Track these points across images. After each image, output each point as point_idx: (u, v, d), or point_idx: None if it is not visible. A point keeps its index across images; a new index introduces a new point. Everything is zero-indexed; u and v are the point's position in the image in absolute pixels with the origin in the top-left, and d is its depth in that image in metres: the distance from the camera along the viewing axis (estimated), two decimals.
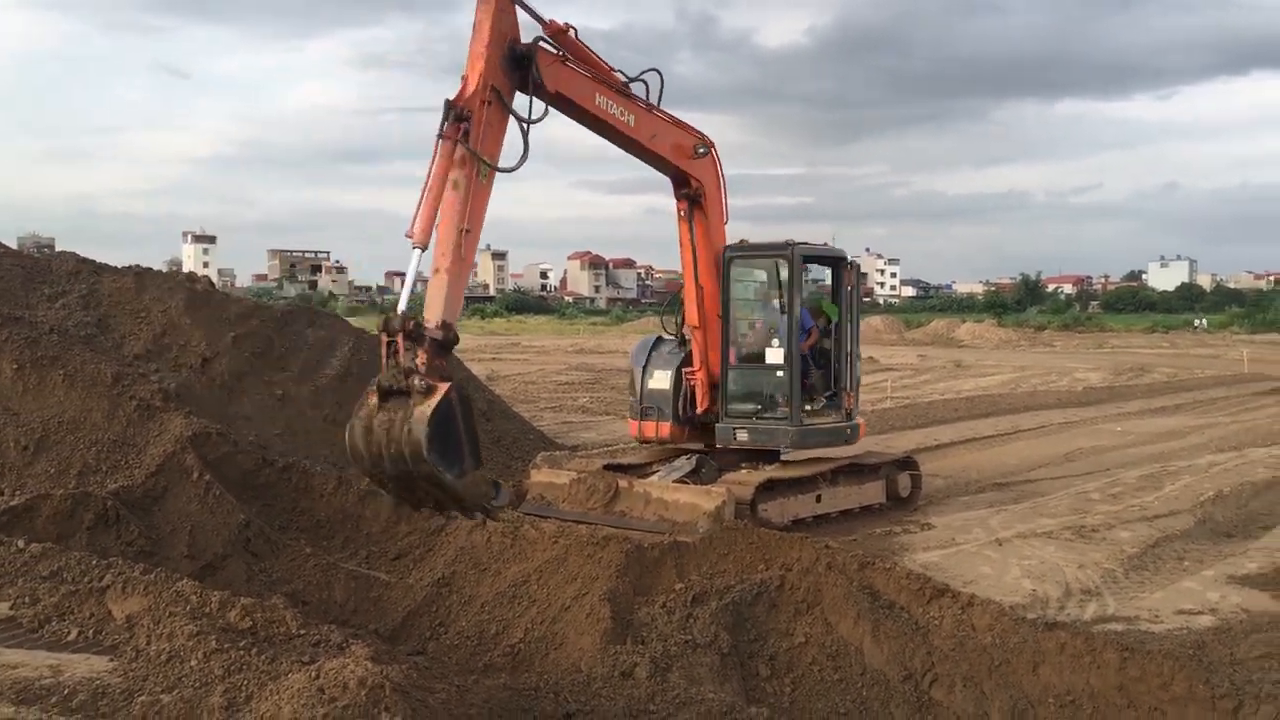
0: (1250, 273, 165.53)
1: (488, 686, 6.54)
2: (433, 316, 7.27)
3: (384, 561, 9.88)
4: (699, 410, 12.27)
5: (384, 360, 6.77)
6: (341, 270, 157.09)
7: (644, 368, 12.48)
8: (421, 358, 6.79)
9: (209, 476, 10.14)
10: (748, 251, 12.50)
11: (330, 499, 10.79)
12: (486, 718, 5.87)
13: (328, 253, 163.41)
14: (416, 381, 6.56)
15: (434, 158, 7.65)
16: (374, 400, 6.59)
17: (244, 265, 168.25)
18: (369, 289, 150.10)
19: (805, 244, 12.49)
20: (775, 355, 12.09)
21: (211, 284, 17.49)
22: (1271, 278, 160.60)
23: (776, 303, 12.37)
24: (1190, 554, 11.31)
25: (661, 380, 12.33)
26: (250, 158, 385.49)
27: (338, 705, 4.90)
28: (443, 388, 6.60)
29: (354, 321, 20.57)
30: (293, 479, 10.93)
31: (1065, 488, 14.88)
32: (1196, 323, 78.68)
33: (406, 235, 7.36)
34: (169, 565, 8.66)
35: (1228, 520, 12.97)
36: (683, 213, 11.93)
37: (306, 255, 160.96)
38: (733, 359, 12.28)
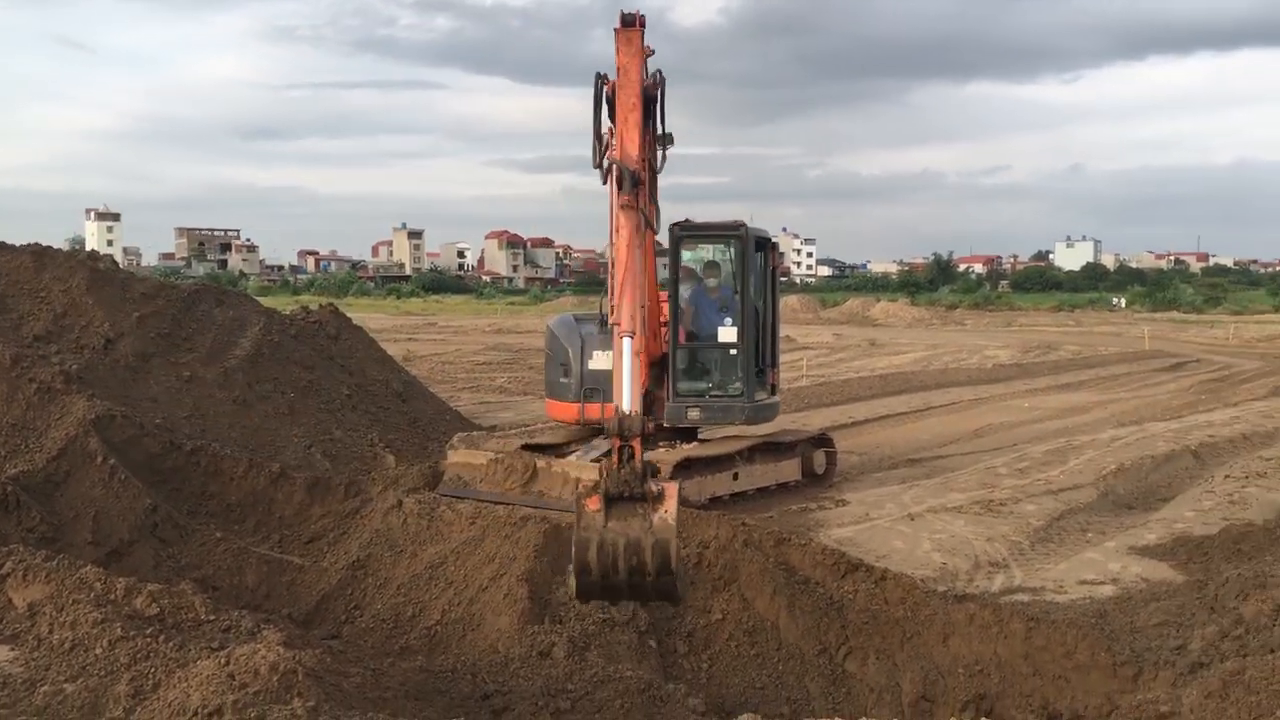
0: (1151, 252, 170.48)
1: (404, 669, 6.49)
2: (634, 404, 6.36)
3: (297, 545, 9.74)
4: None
5: (614, 466, 6.02)
6: (253, 249, 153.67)
7: (581, 349, 12.37)
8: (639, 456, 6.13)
9: (113, 460, 9.87)
10: (697, 231, 12.48)
11: (241, 482, 10.60)
12: (403, 700, 5.82)
13: (238, 231, 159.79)
14: (653, 486, 5.95)
15: (615, 230, 6.87)
16: (595, 508, 5.92)
17: (151, 243, 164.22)
18: (281, 268, 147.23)
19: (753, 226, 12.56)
20: (728, 334, 12.14)
21: (115, 263, 17.02)
22: (1172, 257, 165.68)
23: (718, 280, 12.47)
24: (1093, 526, 11.64)
25: (603, 361, 12.25)
26: (154, 133, 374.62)
27: (249, 691, 4.83)
28: (672, 489, 6.04)
29: (265, 301, 20.18)
30: (201, 462, 10.71)
31: (975, 463, 15.20)
32: (1115, 301, 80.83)
33: (613, 323, 6.68)
34: (72, 552, 8.41)
35: (1129, 493, 13.38)
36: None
37: (216, 233, 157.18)
38: (683, 338, 12.28)
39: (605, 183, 7.27)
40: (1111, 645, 7.12)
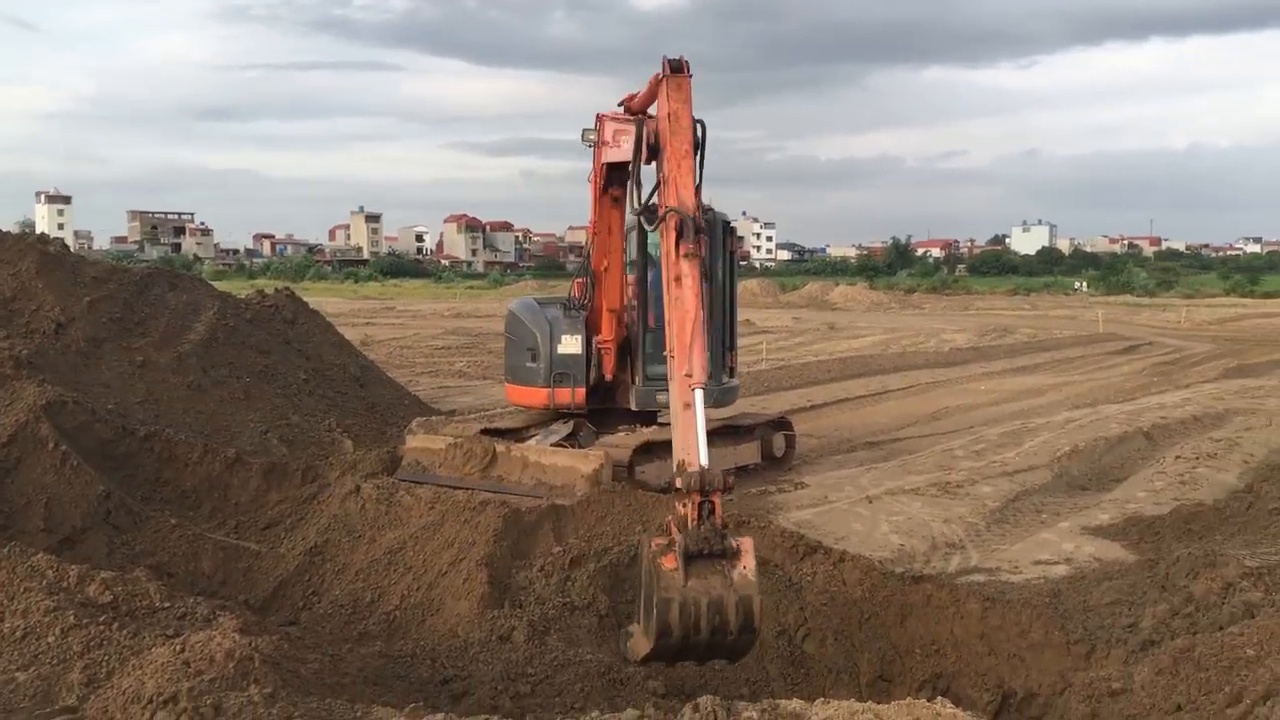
0: (1106, 237, 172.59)
1: (362, 654, 6.45)
2: (704, 459, 6.10)
3: (254, 531, 9.65)
4: (607, 376, 12.30)
5: (692, 522, 5.80)
6: (207, 232, 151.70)
7: (550, 333, 12.33)
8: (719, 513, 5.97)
9: (65, 447, 9.71)
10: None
11: (196, 468, 10.47)
12: (361, 686, 5.79)
13: (191, 214, 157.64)
14: (731, 542, 5.81)
15: (678, 281, 6.57)
16: (672, 566, 5.74)
17: (103, 227, 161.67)
18: (236, 251, 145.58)
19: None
20: None
21: (66, 246, 16.74)
22: (1125, 241, 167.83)
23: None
24: (1048, 507, 11.80)
25: (572, 345, 12.22)
26: (105, 114, 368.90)
27: (204, 679, 4.78)
28: (749, 544, 5.90)
29: (221, 285, 19.94)
30: (155, 448, 10.56)
31: (932, 445, 15.35)
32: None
33: (686, 375, 6.35)
34: (24, 540, 8.25)
35: (1083, 474, 13.57)
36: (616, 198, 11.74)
37: (169, 216, 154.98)
38: (651, 322, 12.28)
39: (653, 227, 7.07)
40: (1065, 624, 7.22)
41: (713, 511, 5.81)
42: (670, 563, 5.76)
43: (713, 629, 5.74)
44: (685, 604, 5.70)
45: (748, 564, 5.77)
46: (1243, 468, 13.45)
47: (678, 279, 6.61)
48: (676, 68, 7.21)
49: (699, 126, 7.16)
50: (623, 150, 9.20)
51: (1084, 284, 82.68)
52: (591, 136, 10.81)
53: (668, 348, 6.59)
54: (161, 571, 8.27)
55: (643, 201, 7.42)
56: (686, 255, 6.57)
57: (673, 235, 6.65)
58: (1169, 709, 5.44)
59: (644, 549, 6.01)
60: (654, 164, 7.30)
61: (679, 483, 5.89)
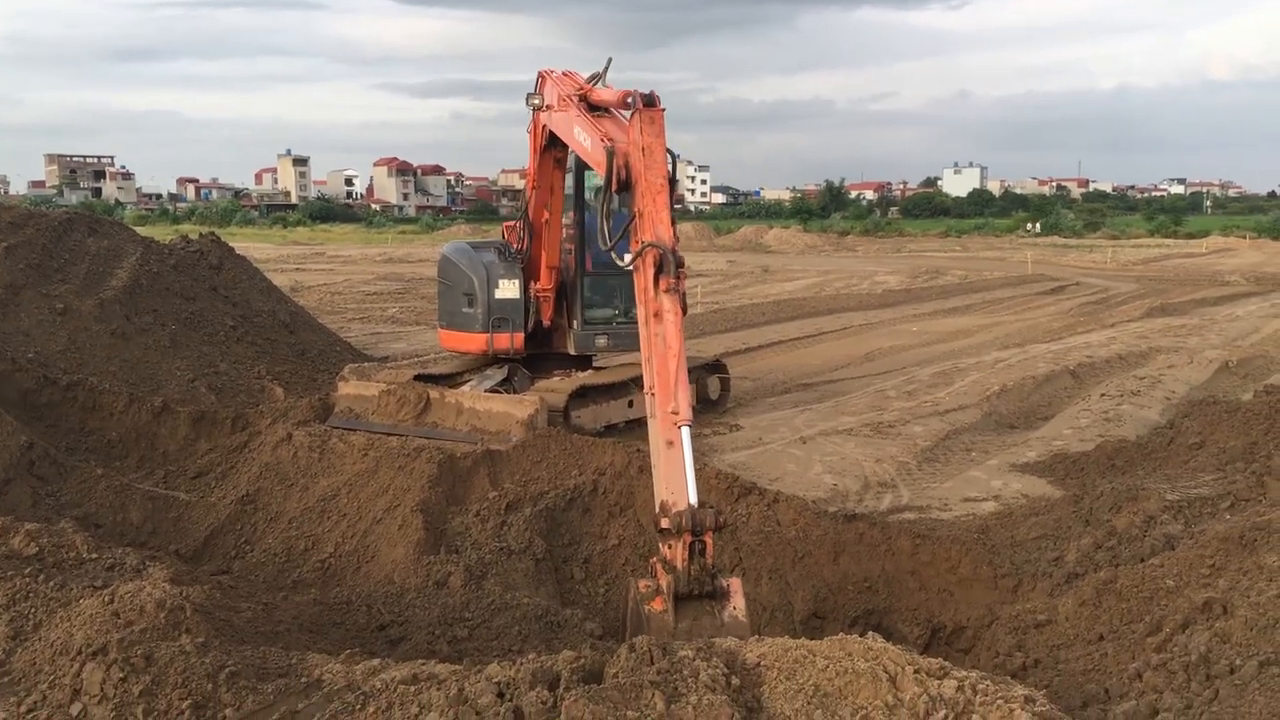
0: (1035, 179, 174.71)
1: (297, 602, 6.41)
2: (693, 498, 5.91)
3: (183, 480, 9.49)
4: (545, 322, 12.24)
5: (682, 563, 5.67)
6: (128, 176, 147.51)
7: (486, 278, 12.18)
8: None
9: None
10: None
11: (121, 417, 10.26)
12: (296, 633, 5.75)
13: (111, 158, 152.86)
14: (721, 583, 5.78)
15: (658, 317, 6.42)
16: (661, 608, 5.67)
17: (19, 171, 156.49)
18: (159, 196, 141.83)
19: None
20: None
21: None
22: (1054, 183, 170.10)
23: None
24: (977, 445, 12.02)
25: (509, 290, 12.11)
26: (20, 55, 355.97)
27: (135, 629, 4.71)
28: (737, 584, 5.85)
29: (144, 231, 19.44)
30: (79, 397, 10.33)
31: (865, 386, 15.53)
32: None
33: (672, 412, 6.20)
34: None
35: (1011, 413, 13.84)
36: (558, 159, 11.56)
37: (88, 160, 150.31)
38: (589, 265, 12.20)
39: (628, 263, 6.87)
40: (993, 559, 7.39)
41: (704, 551, 5.70)
42: (659, 605, 5.69)
43: None
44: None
45: (738, 604, 5.74)
46: (1165, 404, 13.81)
47: (657, 314, 6.44)
48: (649, 102, 7.05)
49: (670, 158, 7.03)
50: (569, 134, 8.98)
51: (1037, 225, 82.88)
52: (536, 100, 10.54)
53: (647, 385, 6.43)
54: (89, 523, 8.11)
55: (610, 237, 7.21)
56: (667, 291, 6.44)
57: (651, 271, 6.49)
58: (1092, 639, 5.60)
59: (631, 591, 5.91)
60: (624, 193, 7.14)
61: (666, 523, 5.79)
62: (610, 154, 7.16)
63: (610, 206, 7.35)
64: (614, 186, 7.10)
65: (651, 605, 5.68)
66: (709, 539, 5.72)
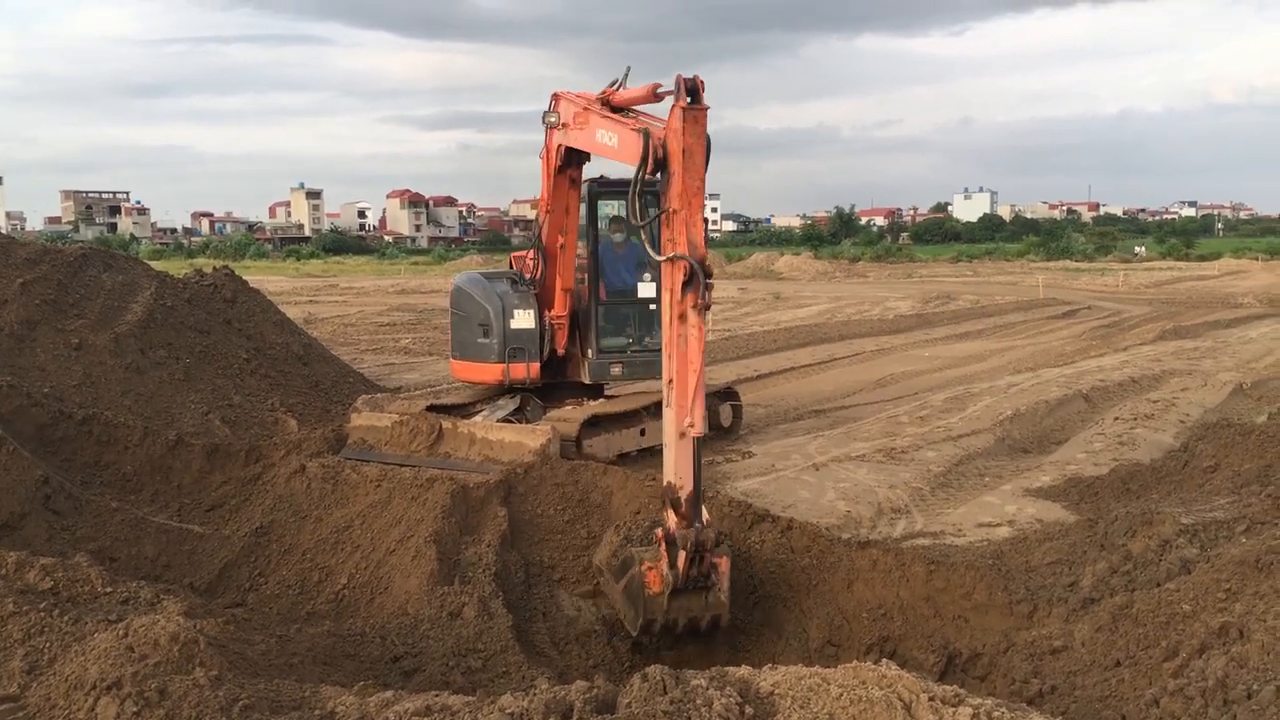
0: (1045, 203, 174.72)
1: (311, 634, 6.42)
2: (691, 489, 6.57)
3: (198, 513, 9.53)
4: (559, 351, 12.28)
5: (683, 569, 6.58)
6: (143, 211, 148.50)
7: (502, 308, 12.22)
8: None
9: (0, 431, 9.51)
10: (615, 187, 12.31)
11: (136, 451, 10.31)
12: (310, 666, 5.76)
13: (127, 193, 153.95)
14: (713, 578, 6.73)
15: (684, 328, 6.48)
16: (658, 591, 6.66)
17: (35, 207, 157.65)
18: (174, 230, 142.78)
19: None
20: (648, 290, 12.13)
21: None
22: (1064, 207, 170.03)
23: (624, 235, 12.42)
24: (990, 470, 11.97)
25: (525, 320, 12.15)
26: (33, 92, 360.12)
27: (149, 663, 4.72)
28: (725, 564, 6.81)
29: (159, 265, 19.57)
30: (94, 431, 10.38)
31: (877, 412, 15.49)
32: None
33: (687, 426, 6.47)
34: None
35: (1024, 437, 13.78)
36: (574, 179, 11.58)
37: (104, 196, 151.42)
38: (603, 295, 12.23)
39: (656, 259, 6.81)
40: (1007, 585, 7.35)
41: (703, 561, 6.57)
42: (656, 585, 6.55)
43: (688, 625, 6.85)
44: (667, 622, 6.72)
45: (723, 586, 6.72)
46: (1179, 427, 13.74)
47: (682, 317, 6.53)
48: (693, 94, 6.57)
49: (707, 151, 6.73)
50: (591, 140, 8.84)
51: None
52: (551, 118, 10.41)
53: (665, 376, 6.74)
54: (103, 556, 8.14)
55: (641, 218, 7.00)
56: (694, 307, 6.52)
57: (680, 279, 6.49)
58: (1108, 665, 5.57)
59: (634, 566, 6.79)
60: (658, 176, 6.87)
61: (672, 525, 6.56)
62: (646, 135, 6.88)
63: (640, 189, 6.98)
64: (649, 169, 6.83)
65: (649, 580, 6.59)
66: (708, 554, 6.56)
